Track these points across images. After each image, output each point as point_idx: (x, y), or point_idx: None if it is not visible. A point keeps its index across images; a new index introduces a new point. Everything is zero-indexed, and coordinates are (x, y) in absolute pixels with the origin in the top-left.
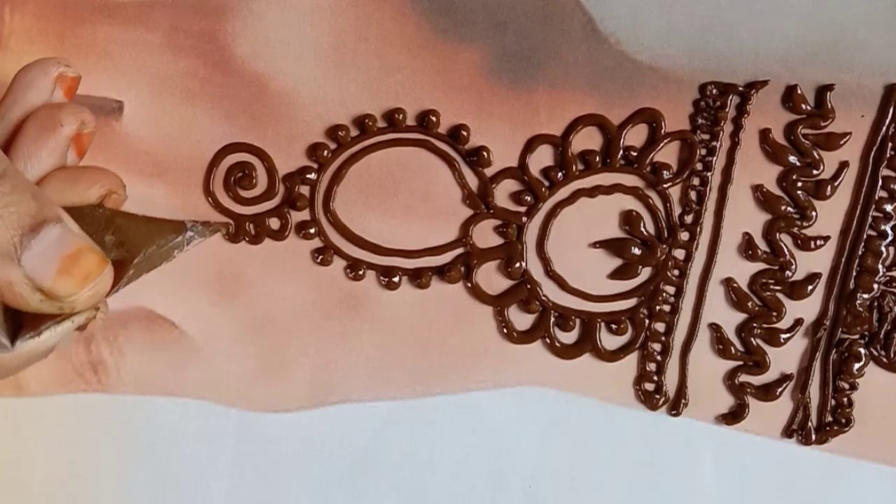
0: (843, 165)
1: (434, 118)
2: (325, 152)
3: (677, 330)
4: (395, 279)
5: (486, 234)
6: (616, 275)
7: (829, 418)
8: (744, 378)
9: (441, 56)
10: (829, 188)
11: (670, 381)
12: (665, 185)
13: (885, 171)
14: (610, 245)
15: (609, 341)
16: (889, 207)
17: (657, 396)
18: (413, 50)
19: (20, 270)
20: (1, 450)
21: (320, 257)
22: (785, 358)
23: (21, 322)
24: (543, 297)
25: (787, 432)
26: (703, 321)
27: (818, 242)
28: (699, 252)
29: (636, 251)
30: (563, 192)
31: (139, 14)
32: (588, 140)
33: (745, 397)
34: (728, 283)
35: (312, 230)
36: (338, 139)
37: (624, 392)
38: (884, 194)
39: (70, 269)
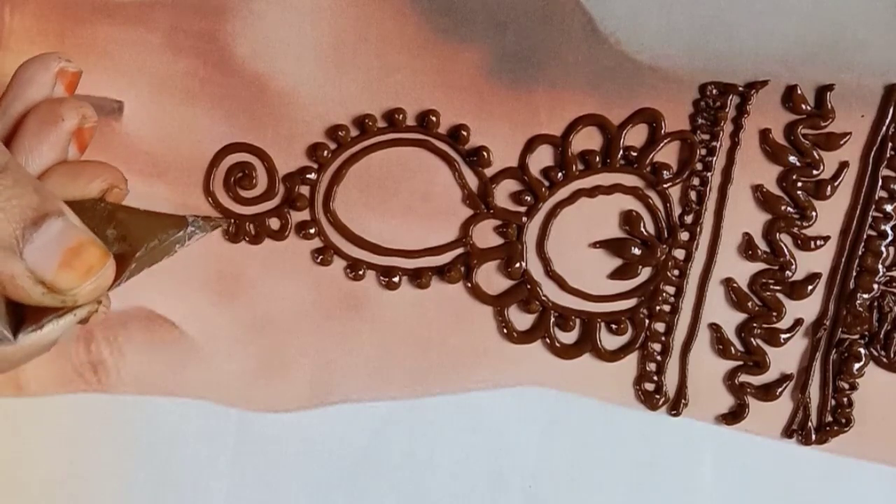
0: (843, 165)
1: (434, 118)
2: (325, 152)
3: (677, 330)
4: (395, 279)
5: (486, 234)
6: (616, 275)
7: (829, 418)
8: (744, 378)
9: (441, 56)
10: (829, 188)
11: (670, 381)
12: (665, 185)
13: (885, 171)
14: (610, 245)
15: (609, 341)
16: (889, 207)
17: (657, 396)
18: (413, 50)
19: (22, 263)
20: (1, 450)
21: (320, 257)
22: (785, 358)
23: (23, 315)
24: (543, 297)
25: (787, 432)
26: (703, 321)
27: (818, 242)
28: (699, 252)
29: (636, 251)
30: (563, 192)
31: (139, 14)
32: (588, 140)
33: (745, 397)
34: (728, 283)
35: (312, 230)
36: (338, 139)
37: (624, 392)
38: (884, 194)
39: (72, 262)
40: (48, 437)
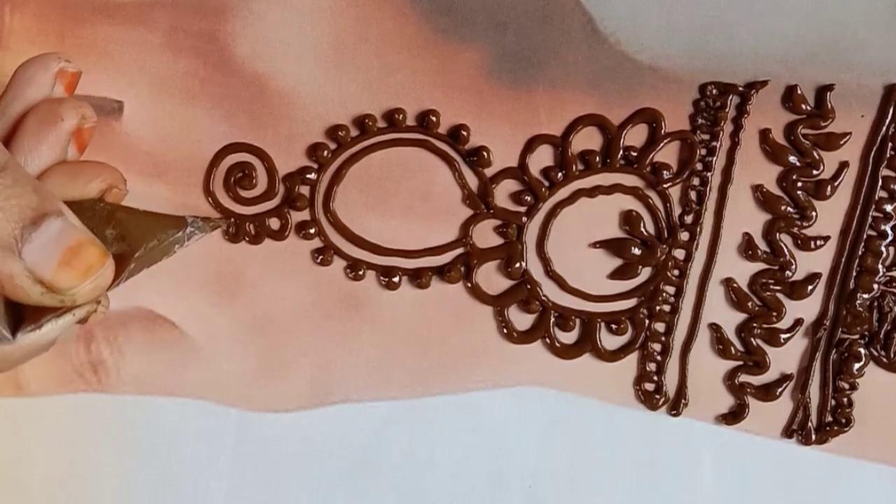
0: (843, 165)
1: (434, 118)
2: (325, 152)
3: (677, 330)
4: (395, 279)
5: (486, 234)
6: (616, 275)
7: (829, 418)
8: (744, 378)
9: (441, 56)
10: (829, 188)
11: (670, 381)
12: (665, 185)
13: (885, 171)
14: (610, 245)
15: (609, 341)
16: (889, 207)
17: (657, 396)
18: (413, 50)
19: (21, 263)
20: (1, 450)
21: (320, 257)
22: (785, 358)
23: (22, 315)
24: (543, 297)
25: (787, 432)
26: (703, 321)
27: (818, 242)
28: (699, 252)
29: (636, 251)
30: (563, 192)
31: (139, 14)
32: (588, 140)
33: (745, 397)
34: (728, 283)
35: (312, 230)
36: (338, 139)
37: (624, 392)
38: (884, 194)
39: (71, 261)
40: (48, 437)
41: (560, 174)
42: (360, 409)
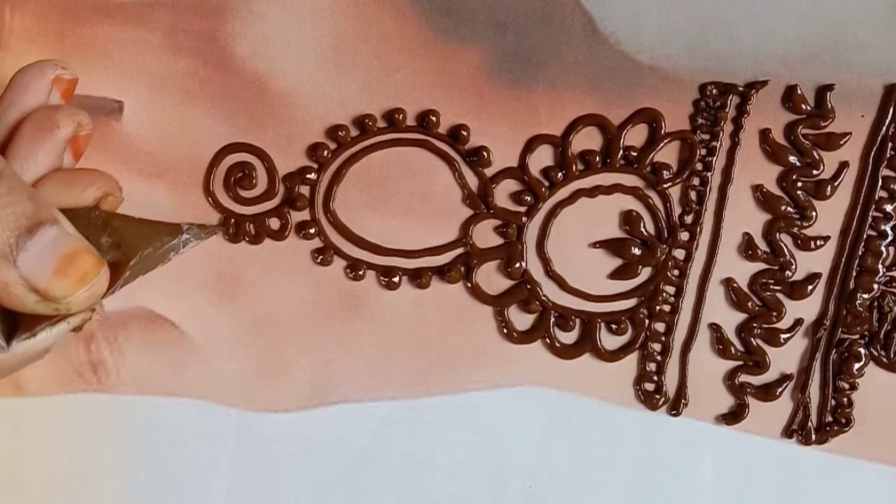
0: (843, 165)
1: (434, 118)
2: (325, 152)
3: (677, 330)
4: (395, 279)
5: (486, 234)
6: (616, 275)
7: (829, 418)
8: (744, 378)
9: (441, 56)
10: (829, 188)
11: (670, 381)
12: (665, 185)
13: (885, 171)
14: (610, 245)
15: (609, 341)
16: (889, 207)
17: (657, 396)
18: (413, 50)
19: (16, 271)
20: (1, 450)
21: (320, 257)
22: (785, 358)
23: (17, 323)
24: (543, 297)
25: (787, 432)
26: (703, 321)
27: (818, 242)
28: (699, 252)
29: (636, 251)
30: (563, 192)
31: (139, 14)
32: (588, 140)
33: (745, 397)
34: (728, 283)
35: (312, 230)
36: (338, 139)
37: (624, 392)
38: (884, 194)
39: (66, 270)
40: (48, 437)
41: (560, 174)
42: (360, 409)
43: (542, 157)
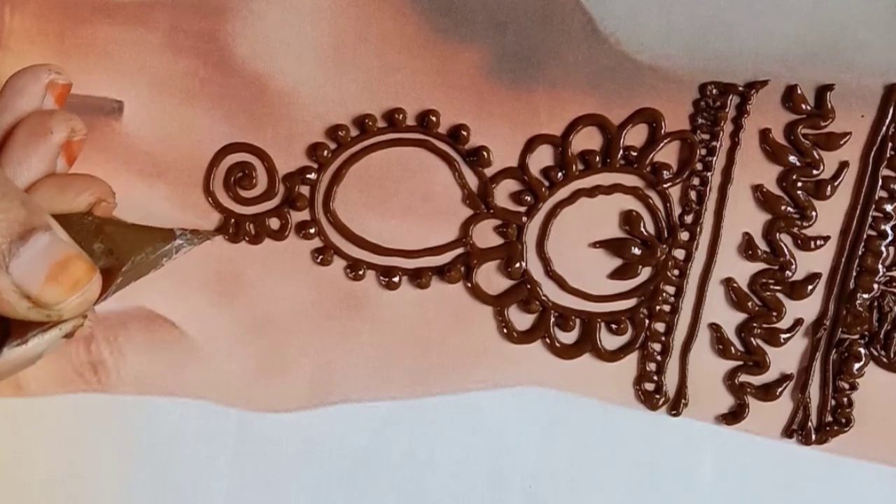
0: (843, 165)
1: (434, 118)
2: (325, 152)
3: (677, 330)
4: (395, 279)
5: (486, 234)
6: (616, 275)
7: (829, 418)
8: (744, 378)
9: (441, 56)
10: (829, 188)
11: (670, 381)
12: (665, 185)
13: (885, 171)
14: (610, 245)
15: (609, 341)
16: (889, 207)
17: (657, 396)
18: (413, 50)
19: (8, 278)
20: (1, 450)
21: (320, 257)
22: (785, 358)
23: (8, 329)
24: (543, 297)
25: (787, 432)
26: (703, 321)
27: (818, 242)
28: (699, 252)
29: (636, 251)
30: (563, 192)
31: (139, 14)
32: (588, 140)
33: (745, 397)
34: (728, 283)
35: (312, 230)
36: (338, 139)
37: (624, 392)
38: (884, 194)
39: (58, 276)
40: (48, 437)
41: (560, 174)
42: (360, 409)
43: (542, 157)
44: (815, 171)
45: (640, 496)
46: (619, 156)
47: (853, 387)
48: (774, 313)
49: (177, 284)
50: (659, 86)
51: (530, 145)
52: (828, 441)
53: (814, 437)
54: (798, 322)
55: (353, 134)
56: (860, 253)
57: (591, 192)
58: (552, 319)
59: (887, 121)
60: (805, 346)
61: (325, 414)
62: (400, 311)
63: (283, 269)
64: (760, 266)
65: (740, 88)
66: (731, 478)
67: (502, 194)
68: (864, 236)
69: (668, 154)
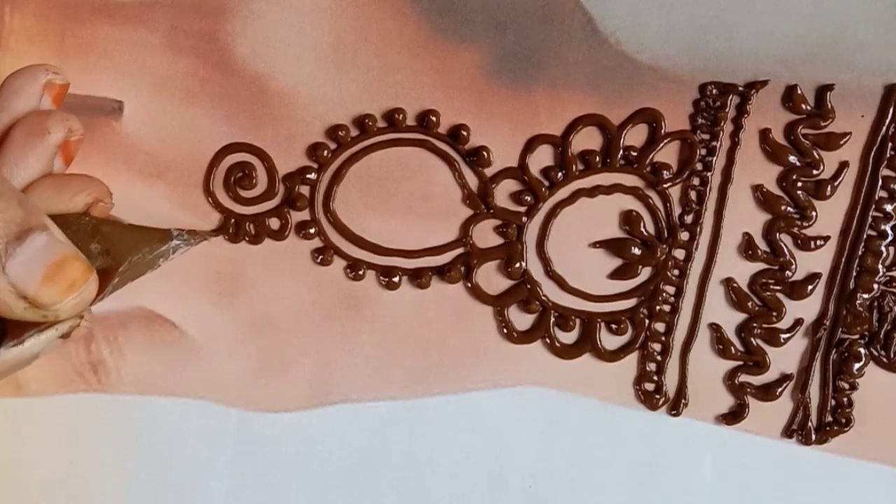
0: (843, 165)
1: (434, 118)
2: (325, 152)
3: (677, 330)
4: (395, 279)
5: (486, 234)
6: (616, 275)
7: (829, 418)
8: (744, 378)
9: (441, 56)
10: (829, 188)
11: (670, 381)
12: (665, 185)
13: (885, 171)
14: (610, 245)
15: (609, 341)
16: (889, 207)
17: (657, 396)
18: (413, 50)
19: (4, 278)
20: (1, 450)
21: (320, 257)
22: (785, 358)
23: (5, 329)
24: (543, 297)
25: (787, 432)
26: (703, 321)
27: (818, 242)
28: (699, 252)
29: (636, 251)
30: (563, 192)
31: (139, 14)
32: (588, 140)
33: (745, 397)
34: (728, 283)
35: (312, 230)
36: (338, 139)
37: (624, 392)
38: (884, 194)
39: (55, 277)
40: (48, 437)
41: (560, 174)
42: (360, 409)
43: (542, 157)
44: (815, 171)
45: (640, 496)
46: (619, 156)
47: (853, 387)
48: (774, 313)
49: (177, 284)
50: (659, 86)
51: (530, 145)
52: (828, 441)
53: (814, 437)
54: (798, 322)
55: (353, 134)
56: (860, 253)
57: (591, 192)
58: (552, 319)
59: (887, 121)
60: (805, 346)
61: (325, 414)
62: (400, 311)
63: (283, 269)
64: (760, 266)
65: (740, 88)
66: (731, 478)
67: (502, 194)
68: (864, 236)
69: (668, 154)
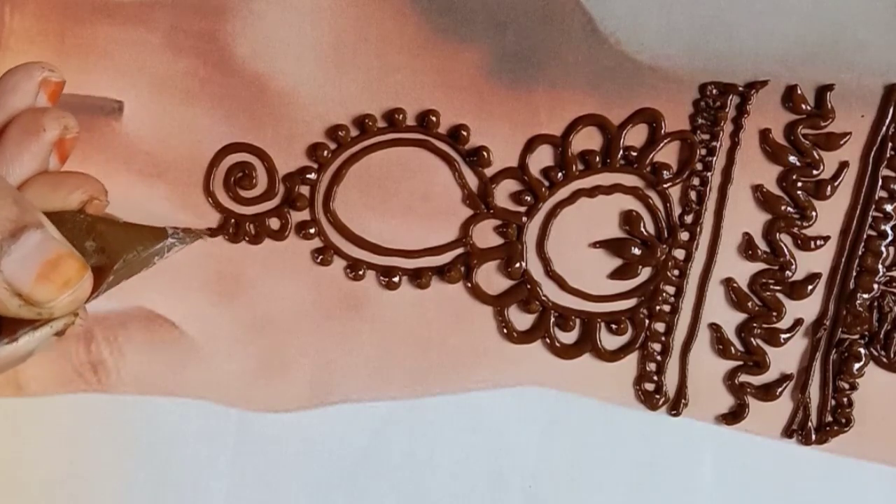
0: (843, 165)
1: (434, 118)
2: (325, 152)
3: (677, 330)
4: (395, 279)
5: (486, 234)
6: (616, 275)
7: (829, 418)
8: (744, 378)
9: (441, 56)
10: (829, 188)
11: (670, 381)
12: (665, 185)
13: (885, 171)
14: (610, 245)
15: (609, 341)
16: (889, 207)
17: (657, 396)
18: (413, 50)
19: None
20: (1, 450)
21: (320, 257)
22: (785, 358)
23: None
24: (543, 297)
25: (787, 432)
26: (703, 321)
27: (818, 242)
28: (699, 252)
29: (636, 251)
30: (563, 192)
31: (139, 14)
32: (588, 140)
33: (745, 397)
34: (728, 283)
35: (312, 230)
36: (338, 139)
37: (624, 392)
38: (884, 194)
39: (49, 274)
40: (48, 437)
41: (560, 174)
42: (360, 409)
43: (542, 157)
44: (815, 171)
45: (640, 496)
46: (619, 156)
47: (853, 387)
48: (774, 313)
49: (177, 284)
50: (659, 86)
51: (530, 145)
52: (828, 441)
53: (814, 437)
54: (798, 322)
55: (353, 134)
56: (860, 253)
57: (591, 192)
58: (552, 319)
59: (887, 121)
60: (805, 346)
61: (325, 414)
62: (400, 311)
63: (283, 269)
64: (760, 266)
65: (740, 88)
66: (731, 478)
67: (502, 194)
68: (864, 236)
69: (668, 154)
